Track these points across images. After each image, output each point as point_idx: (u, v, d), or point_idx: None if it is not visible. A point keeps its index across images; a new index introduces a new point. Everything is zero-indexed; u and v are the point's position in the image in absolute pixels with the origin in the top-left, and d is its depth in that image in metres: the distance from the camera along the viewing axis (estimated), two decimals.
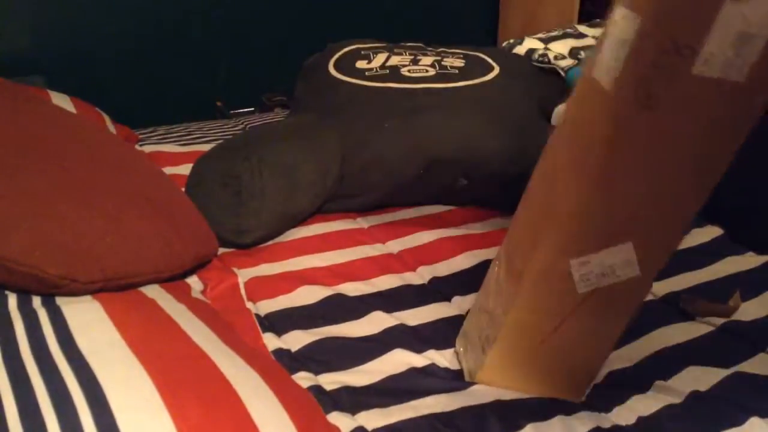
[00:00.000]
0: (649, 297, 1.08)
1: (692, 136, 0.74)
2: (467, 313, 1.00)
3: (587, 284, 0.82)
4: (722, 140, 0.74)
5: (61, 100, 1.44)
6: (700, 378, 0.90)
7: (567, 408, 0.86)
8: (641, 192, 0.77)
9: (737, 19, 0.68)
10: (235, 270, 1.12)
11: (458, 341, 0.97)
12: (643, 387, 0.90)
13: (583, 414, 0.85)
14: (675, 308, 1.06)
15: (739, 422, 0.82)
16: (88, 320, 0.74)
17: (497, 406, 0.85)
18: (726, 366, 0.91)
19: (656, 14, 0.70)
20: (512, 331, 0.87)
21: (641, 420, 0.84)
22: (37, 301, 0.78)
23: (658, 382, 0.90)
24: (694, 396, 0.87)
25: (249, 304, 1.03)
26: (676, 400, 0.87)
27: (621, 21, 0.74)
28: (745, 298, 1.08)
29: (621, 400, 0.88)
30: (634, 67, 0.72)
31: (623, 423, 0.84)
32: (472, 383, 0.90)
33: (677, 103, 0.72)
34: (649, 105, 0.72)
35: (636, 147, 0.75)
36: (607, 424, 0.84)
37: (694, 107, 0.73)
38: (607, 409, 0.87)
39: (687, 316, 1.04)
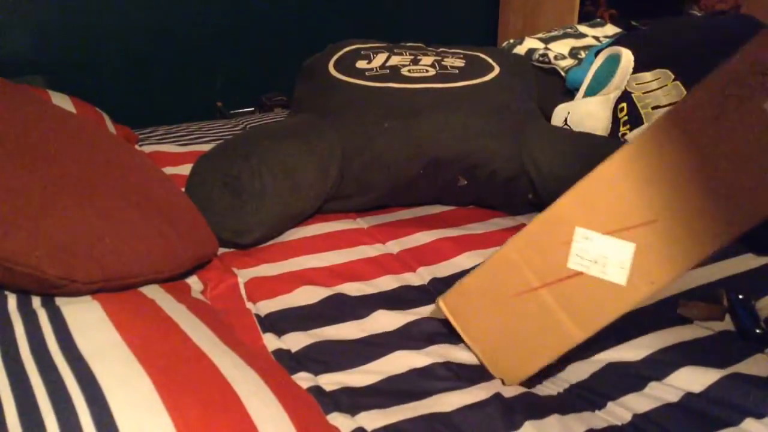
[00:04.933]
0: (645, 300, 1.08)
1: (741, 167, 0.74)
2: None
3: (578, 262, 0.83)
4: (763, 192, 0.74)
5: (61, 100, 1.44)
6: (696, 378, 0.90)
7: (564, 406, 0.87)
8: (676, 193, 0.77)
9: None
10: (235, 270, 1.12)
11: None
12: (638, 386, 0.90)
13: (579, 412, 0.85)
14: (672, 312, 1.06)
15: (735, 423, 0.82)
16: (88, 320, 0.74)
17: (497, 405, 0.85)
18: (722, 367, 0.92)
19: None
20: (497, 266, 0.89)
21: (636, 419, 0.84)
22: (36, 302, 0.78)
23: (653, 382, 0.90)
24: (690, 396, 0.87)
25: (249, 305, 1.04)
26: (672, 400, 0.87)
27: None
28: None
29: (616, 398, 0.88)
30: (723, 76, 0.73)
31: (618, 422, 0.84)
32: (471, 383, 0.90)
33: (740, 125, 0.73)
34: (718, 115, 0.73)
35: (693, 147, 0.75)
36: (602, 423, 0.84)
37: (751, 139, 0.73)
38: (603, 407, 0.87)
39: (685, 321, 1.04)
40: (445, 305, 0.96)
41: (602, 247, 0.81)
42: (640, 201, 0.79)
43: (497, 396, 0.87)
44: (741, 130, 0.73)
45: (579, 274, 0.84)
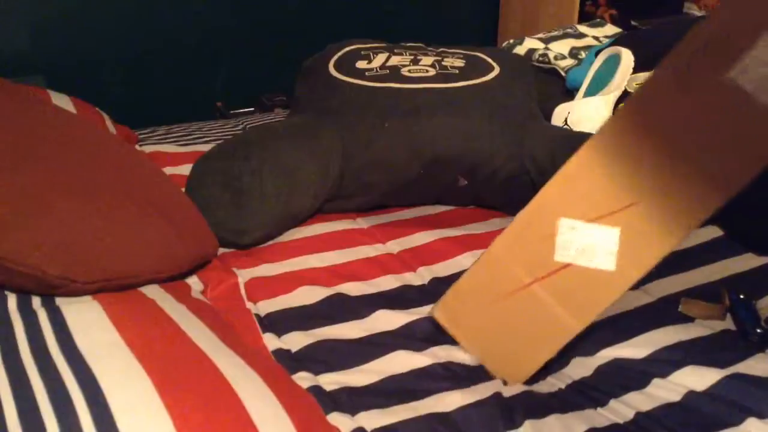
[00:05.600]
0: (647, 299, 1.08)
1: (713, 140, 0.74)
2: None
3: (565, 254, 0.83)
4: (741, 158, 0.73)
5: (61, 100, 1.43)
6: (697, 377, 0.90)
7: (565, 404, 0.87)
8: (652, 172, 0.77)
9: None
10: (235, 270, 1.12)
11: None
12: (640, 384, 0.90)
13: (581, 410, 0.85)
14: (674, 310, 1.06)
15: (736, 422, 0.82)
16: (88, 320, 0.74)
17: (496, 405, 0.85)
18: (723, 366, 0.92)
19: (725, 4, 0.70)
20: (486, 267, 0.89)
21: (638, 417, 0.84)
22: (36, 302, 0.78)
23: (656, 380, 0.90)
24: (692, 395, 0.87)
25: (249, 305, 1.03)
26: (674, 398, 0.87)
27: None
28: None
29: (618, 396, 0.88)
30: (686, 49, 0.72)
31: (620, 420, 0.84)
32: (471, 383, 0.90)
33: (708, 97, 0.72)
34: (687, 89, 0.73)
35: (664, 124, 0.75)
36: (604, 422, 0.84)
37: (720, 109, 0.73)
38: (605, 405, 0.87)
39: (687, 319, 1.04)
40: (440, 314, 0.95)
41: (587, 236, 0.81)
42: (617, 186, 0.79)
43: (497, 396, 0.87)
44: (708, 104, 0.73)
45: (568, 265, 0.84)
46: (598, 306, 0.84)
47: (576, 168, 0.81)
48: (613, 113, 0.79)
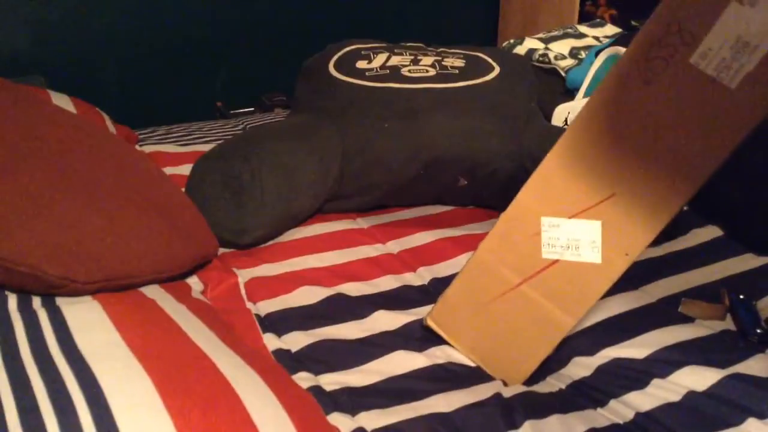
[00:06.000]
0: (647, 299, 1.08)
1: (680, 126, 0.74)
2: None
3: (552, 251, 0.83)
4: (710, 141, 0.74)
5: (61, 100, 1.43)
6: (698, 377, 0.90)
7: (565, 404, 0.87)
8: (624, 165, 0.78)
9: (739, 22, 0.68)
10: (235, 270, 1.12)
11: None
12: (640, 384, 0.90)
13: (581, 410, 0.85)
14: (674, 310, 1.06)
15: (736, 423, 0.82)
16: (88, 321, 0.74)
17: (497, 405, 0.85)
18: (724, 366, 0.92)
19: None
20: (474, 272, 0.89)
21: (638, 417, 0.84)
22: (37, 302, 0.78)
23: (656, 380, 0.90)
24: (692, 395, 0.87)
25: (249, 305, 1.04)
26: (674, 399, 0.87)
27: None
28: None
29: (618, 396, 0.88)
30: (643, 39, 0.72)
31: (620, 420, 0.84)
32: (471, 383, 0.90)
33: (671, 86, 0.73)
34: (649, 79, 0.73)
35: (630, 118, 0.76)
36: (604, 421, 0.84)
37: (685, 96, 0.73)
38: (605, 405, 0.87)
39: (687, 319, 1.04)
40: (434, 322, 0.96)
41: (571, 231, 0.82)
42: (593, 181, 0.80)
43: (497, 396, 0.87)
44: (674, 90, 0.73)
45: (555, 262, 0.84)
46: (588, 300, 0.85)
47: (551, 167, 0.83)
48: (583, 108, 0.80)
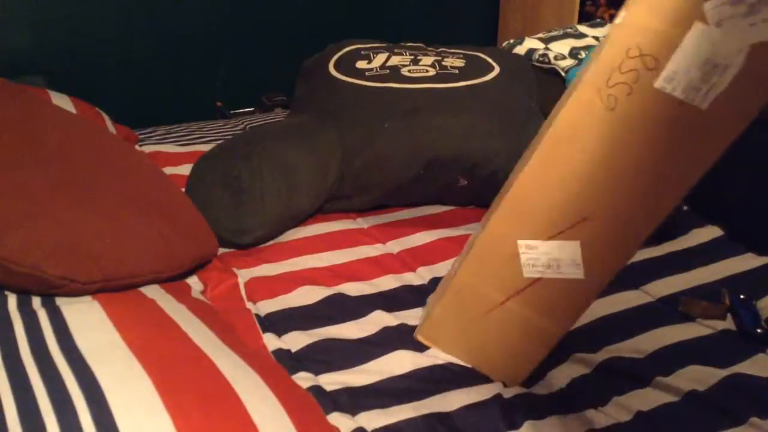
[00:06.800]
0: (647, 299, 1.08)
1: (648, 149, 0.72)
2: None
3: (533, 270, 0.83)
4: (681, 164, 0.72)
5: (61, 100, 1.44)
6: (699, 377, 0.90)
7: (566, 404, 0.87)
8: (595, 188, 0.76)
9: (705, 43, 0.66)
10: (235, 270, 1.12)
11: (424, 308, 0.98)
12: (641, 384, 0.90)
13: (581, 410, 0.85)
14: (674, 310, 1.06)
15: (737, 422, 0.82)
16: (88, 321, 0.74)
17: (497, 405, 0.85)
18: (724, 366, 0.92)
19: (630, 18, 0.69)
20: (458, 293, 0.89)
21: (639, 416, 0.84)
22: (36, 302, 0.78)
23: (657, 380, 0.90)
24: (693, 395, 0.87)
25: (249, 305, 1.03)
26: (675, 399, 0.87)
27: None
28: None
29: (619, 395, 0.88)
30: (603, 64, 0.71)
31: (621, 419, 0.84)
32: (471, 383, 0.90)
33: (636, 111, 0.71)
34: (613, 106, 0.72)
35: (597, 144, 0.74)
36: (604, 421, 0.84)
37: (652, 120, 0.71)
38: (605, 405, 0.87)
39: (687, 319, 1.04)
40: (424, 337, 0.96)
41: (550, 252, 0.81)
42: (563, 205, 0.78)
43: (497, 396, 0.87)
44: (640, 115, 0.71)
45: (538, 279, 0.83)
46: (577, 310, 0.84)
47: (519, 192, 0.81)
48: (542, 136, 0.78)
